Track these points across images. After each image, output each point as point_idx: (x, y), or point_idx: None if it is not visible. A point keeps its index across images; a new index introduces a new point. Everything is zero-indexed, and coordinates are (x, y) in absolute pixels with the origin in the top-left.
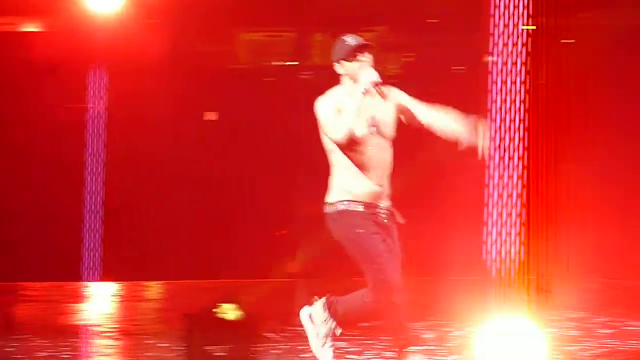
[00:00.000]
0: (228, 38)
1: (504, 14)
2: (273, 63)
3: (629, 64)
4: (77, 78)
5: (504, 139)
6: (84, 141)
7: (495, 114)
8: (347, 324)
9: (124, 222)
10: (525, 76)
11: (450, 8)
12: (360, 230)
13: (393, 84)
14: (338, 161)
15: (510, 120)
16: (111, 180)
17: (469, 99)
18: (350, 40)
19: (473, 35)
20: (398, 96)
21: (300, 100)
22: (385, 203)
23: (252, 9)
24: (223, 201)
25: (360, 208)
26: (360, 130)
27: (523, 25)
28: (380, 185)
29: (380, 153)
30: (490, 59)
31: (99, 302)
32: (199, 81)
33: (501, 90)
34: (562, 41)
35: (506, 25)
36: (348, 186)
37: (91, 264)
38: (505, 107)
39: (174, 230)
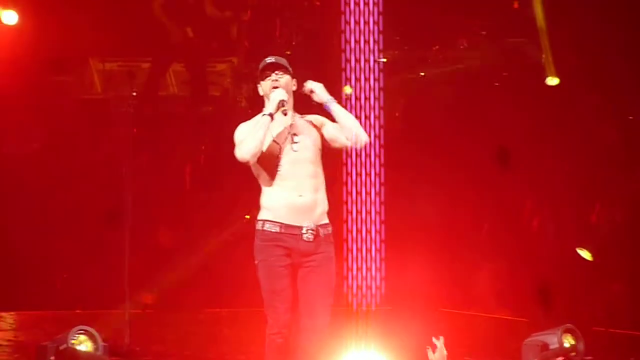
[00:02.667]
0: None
1: (355, 49)
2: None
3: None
4: None
5: (360, 174)
6: None
7: (351, 150)
8: None
9: None
10: (379, 111)
11: (302, 41)
12: (261, 260)
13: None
14: (258, 177)
15: (366, 156)
16: None
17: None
18: (265, 60)
19: (325, 69)
20: (316, 119)
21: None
22: (309, 222)
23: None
24: (79, 227)
25: (276, 229)
26: (264, 146)
27: (375, 58)
28: (300, 195)
29: (298, 167)
30: (344, 93)
31: None
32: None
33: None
34: (414, 75)
35: (357, 60)
36: (265, 201)
37: None
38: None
39: (27, 258)
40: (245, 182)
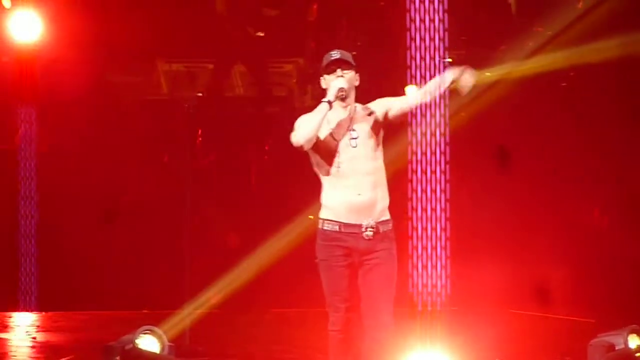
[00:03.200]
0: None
1: (420, 47)
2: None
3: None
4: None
5: (426, 171)
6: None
7: (416, 146)
8: None
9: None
10: (445, 109)
11: (368, 41)
12: (321, 260)
13: None
14: (318, 174)
15: (431, 153)
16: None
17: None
18: (330, 55)
19: (391, 68)
20: (378, 105)
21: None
22: (369, 220)
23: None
24: (153, 230)
25: (336, 228)
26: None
27: (440, 57)
28: (359, 194)
29: (356, 164)
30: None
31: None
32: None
33: (421, 122)
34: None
35: (423, 58)
36: (325, 200)
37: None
38: (426, 140)
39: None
40: (310, 182)
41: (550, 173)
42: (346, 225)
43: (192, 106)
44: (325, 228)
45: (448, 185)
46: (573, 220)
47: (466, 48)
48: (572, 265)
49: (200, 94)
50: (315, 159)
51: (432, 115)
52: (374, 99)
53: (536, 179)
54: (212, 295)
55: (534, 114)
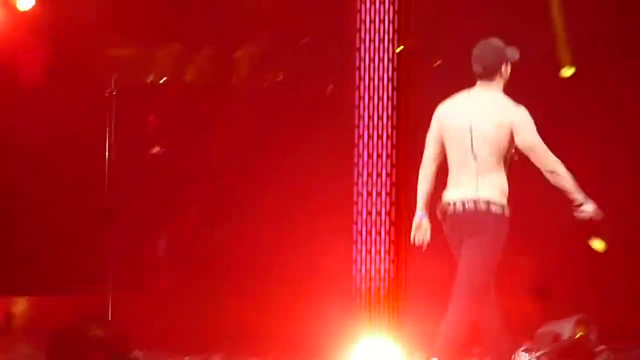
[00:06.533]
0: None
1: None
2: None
3: None
4: None
5: (372, 156)
6: None
7: (363, 130)
8: None
9: None
10: (393, 92)
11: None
12: None
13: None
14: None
15: (378, 137)
16: None
17: (338, 114)
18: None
19: (341, 53)
20: None
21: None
22: None
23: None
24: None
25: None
26: None
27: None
28: None
29: None
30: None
31: None
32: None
33: (369, 105)
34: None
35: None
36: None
37: None
38: (373, 123)
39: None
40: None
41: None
42: None
43: (114, 93)
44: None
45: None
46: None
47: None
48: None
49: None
50: None
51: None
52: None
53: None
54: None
55: None
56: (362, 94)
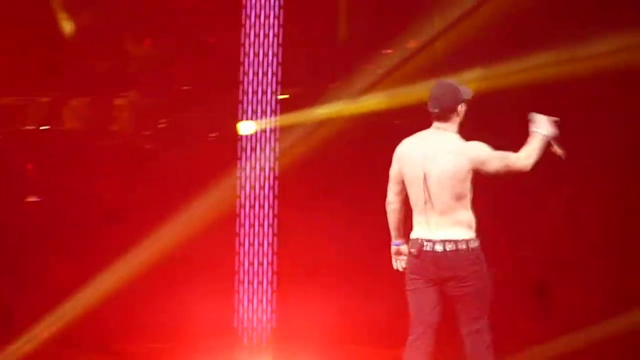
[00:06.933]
0: None
1: (252, 81)
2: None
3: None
4: None
5: (254, 206)
6: None
7: (245, 181)
8: None
9: None
10: (275, 145)
11: (201, 75)
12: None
13: None
14: (469, 196)
15: (260, 188)
16: None
17: (224, 163)
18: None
19: (224, 101)
20: None
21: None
22: None
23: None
24: None
25: None
26: None
27: (272, 92)
28: None
29: None
30: (240, 125)
31: None
32: None
33: (251, 157)
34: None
35: (255, 93)
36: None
37: None
38: (255, 174)
39: None
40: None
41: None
42: None
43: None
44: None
45: (276, 220)
46: None
47: (299, 84)
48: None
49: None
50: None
51: (262, 150)
52: (205, 133)
53: (369, 217)
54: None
55: (368, 150)
56: (244, 145)
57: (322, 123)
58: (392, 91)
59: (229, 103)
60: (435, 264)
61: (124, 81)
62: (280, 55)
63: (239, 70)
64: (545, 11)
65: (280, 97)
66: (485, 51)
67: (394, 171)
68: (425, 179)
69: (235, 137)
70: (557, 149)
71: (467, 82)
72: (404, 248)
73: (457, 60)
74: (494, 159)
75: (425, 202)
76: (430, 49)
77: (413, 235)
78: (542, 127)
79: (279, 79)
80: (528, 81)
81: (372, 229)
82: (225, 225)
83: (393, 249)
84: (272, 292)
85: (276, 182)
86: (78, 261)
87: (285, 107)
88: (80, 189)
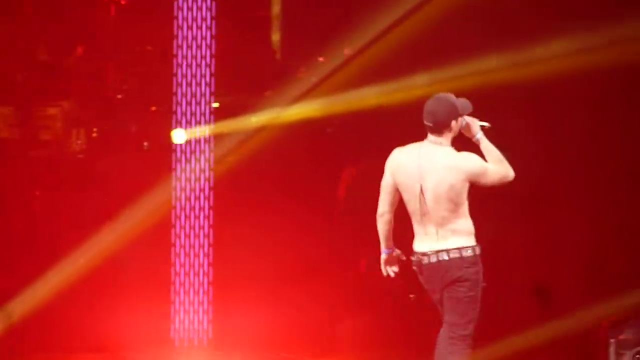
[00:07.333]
0: None
1: (186, 92)
2: None
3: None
4: None
5: (189, 217)
6: None
7: (181, 192)
8: None
9: None
10: (210, 154)
11: (134, 85)
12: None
13: None
14: (466, 203)
15: (196, 199)
16: None
17: (158, 173)
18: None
19: (158, 112)
20: None
21: None
22: None
23: None
24: None
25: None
26: None
27: (206, 102)
28: None
29: None
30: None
31: None
32: None
33: (186, 169)
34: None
35: (189, 103)
36: (471, 227)
37: None
38: (191, 185)
39: None
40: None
41: (325, 219)
42: None
43: None
44: (479, 253)
45: (211, 230)
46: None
47: (232, 93)
48: (350, 308)
49: None
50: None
51: (197, 160)
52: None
53: (311, 225)
54: None
55: (301, 159)
56: (179, 156)
57: (256, 131)
58: (325, 99)
59: (163, 113)
60: (434, 275)
61: (56, 90)
62: (213, 65)
63: (173, 81)
64: (482, 14)
65: (214, 105)
66: (422, 57)
67: (387, 182)
68: (421, 192)
69: (170, 147)
70: (485, 125)
71: (410, 88)
72: (398, 252)
73: (391, 67)
74: (489, 173)
75: (422, 214)
76: (364, 57)
77: (414, 247)
78: (475, 129)
79: (213, 89)
80: (472, 86)
81: (306, 237)
82: (161, 236)
83: (383, 256)
84: (209, 302)
85: (211, 193)
86: (7, 271)
87: (219, 115)
88: (10, 198)
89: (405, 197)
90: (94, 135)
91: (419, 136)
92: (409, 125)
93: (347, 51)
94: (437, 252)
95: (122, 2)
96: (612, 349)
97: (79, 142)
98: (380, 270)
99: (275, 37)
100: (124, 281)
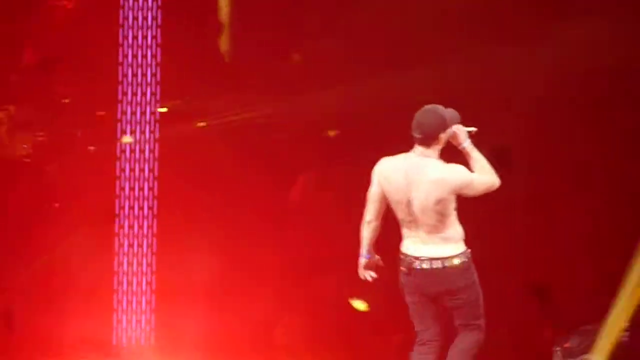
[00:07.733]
0: None
1: (131, 101)
2: None
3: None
4: None
5: (133, 226)
6: None
7: (124, 200)
8: None
9: None
10: (154, 162)
11: (78, 90)
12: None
13: None
14: (452, 214)
15: (139, 207)
16: None
17: (101, 177)
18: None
19: (102, 118)
20: None
21: None
22: None
23: None
24: None
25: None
26: None
27: (151, 110)
28: None
29: None
30: (120, 141)
31: None
32: None
33: (130, 175)
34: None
35: (134, 113)
36: (461, 233)
37: None
38: (134, 193)
39: None
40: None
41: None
42: None
43: None
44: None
45: (155, 239)
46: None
47: (179, 98)
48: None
49: None
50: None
51: (141, 169)
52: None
53: (257, 230)
54: None
55: (248, 165)
56: (122, 165)
57: (202, 137)
58: (274, 104)
59: (109, 117)
60: (426, 281)
61: (2, 94)
62: (158, 74)
63: (118, 87)
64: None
65: (160, 110)
66: (375, 61)
67: (374, 191)
68: (409, 204)
69: (115, 152)
70: (472, 130)
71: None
72: (377, 258)
73: (342, 72)
74: (475, 183)
75: (410, 222)
76: (316, 63)
77: (403, 249)
78: (463, 137)
79: (158, 96)
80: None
81: (251, 242)
82: (104, 244)
83: (362, 261)
84: (151, 310)
85: (155, 202)
86: None
87: (165, 121)
88: None
89: (393, 206)
90: (40, 139)
91: (375, 143)
92: (362, 132)
93: (296, 56)
94: (431, 259)
95: (69, 7)
96: (556, 358)
97: (25, 146)
98: (321, 275)
99: (224, 41)
100: (66, 290)
